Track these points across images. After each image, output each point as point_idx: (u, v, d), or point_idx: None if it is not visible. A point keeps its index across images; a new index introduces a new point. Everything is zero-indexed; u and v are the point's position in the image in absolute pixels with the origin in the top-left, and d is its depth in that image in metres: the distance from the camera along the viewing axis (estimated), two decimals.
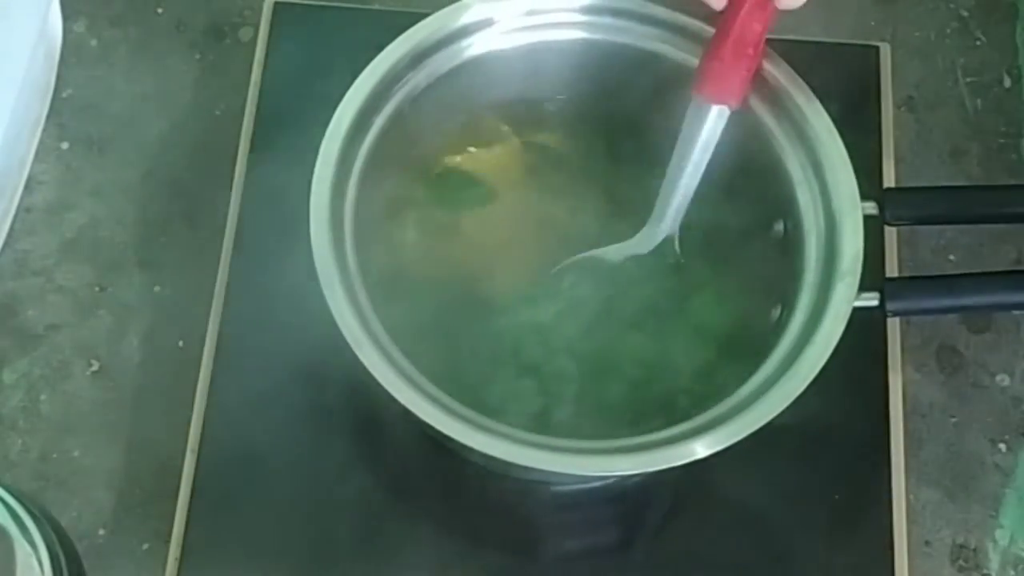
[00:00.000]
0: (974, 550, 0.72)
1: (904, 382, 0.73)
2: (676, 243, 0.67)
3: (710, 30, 0.64)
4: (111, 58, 0.81)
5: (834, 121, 0.65)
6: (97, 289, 0.75)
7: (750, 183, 0.68)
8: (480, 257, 0.69)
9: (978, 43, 0.84)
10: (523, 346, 0.67)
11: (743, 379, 0.61)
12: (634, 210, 0.68)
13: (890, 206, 0.65)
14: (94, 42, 0.82)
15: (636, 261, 0.68)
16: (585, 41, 0.68)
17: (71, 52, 0.81)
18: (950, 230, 0.78)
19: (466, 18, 0.67)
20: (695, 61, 0.65)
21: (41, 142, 0.78)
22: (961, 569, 0.71)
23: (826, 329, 0.61)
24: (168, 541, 0.68)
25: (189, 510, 0.68)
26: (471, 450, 0.58)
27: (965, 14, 0.85)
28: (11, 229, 0.76)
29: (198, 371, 0.71)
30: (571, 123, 0.71)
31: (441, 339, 0.66)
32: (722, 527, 0.69)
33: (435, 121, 0.69)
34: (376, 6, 0.82)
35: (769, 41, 0.64)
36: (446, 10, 0.66)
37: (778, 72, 0.65)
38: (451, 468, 0.67)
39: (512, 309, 0.68)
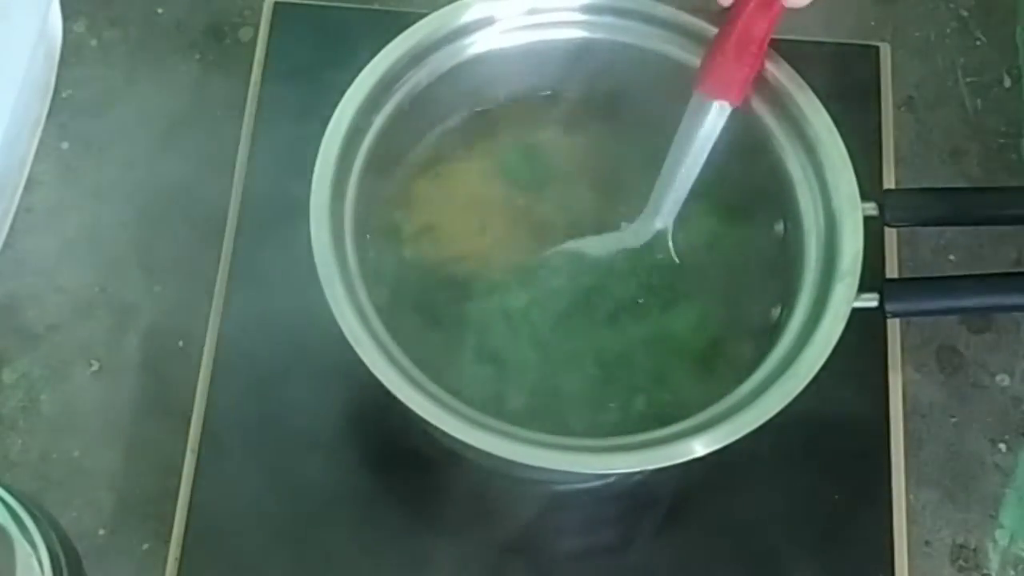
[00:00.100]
0: (974, 550, 0.72)
1: (904, 382, 0.73)
2: (670, 241, 0.67)
3: (712, 29, 0.65)
4: (111, 58, 0.81)
5: (834, 121, 0.65)
6: (97, 289, 0.75)
7: (750, 183, 0.68)
8: (478, 251, 0.69)
9: (978, 43, 0.84)
10: (490, 331, 0.66)
11: (716, 394, 0.61)
12: (634, 210, 0.68)
13: (890, 207, 0.65)
14: (94, 42, 0.82)
15: (626, 255, 0.68)
16: (585, 40, 0.68)
17: (71, 52, 0.81)
18: (950, 231, 0.78)
19: (466, 17, 0.67)
20: (696, 60, 0.65)
21: (41, 142, 0.78)
22: (961, 569, 0.71)
23: (825, 329, 0.61)
24: (168, 541, 0.68)
25: (189, 510, 0.68)
26: (471, 448, 0.58)
27: (965, 14, 0.85)
28: (11, 229, 0.76)
29: (198, 371, 0.71)
30: (571, 122, 0.71)
31: (425, 321, 0.66)
32: (722, 527, 0.70)
33: (435, 120, 0.69)
34: (376, 6, 0.82)
35: (770, 41, 0.64)
36: (446, 9, 0.66)
37: (779, 72, 0.65)
38: (451, 467, 0.67)
39: (488, 295, 0.67)
